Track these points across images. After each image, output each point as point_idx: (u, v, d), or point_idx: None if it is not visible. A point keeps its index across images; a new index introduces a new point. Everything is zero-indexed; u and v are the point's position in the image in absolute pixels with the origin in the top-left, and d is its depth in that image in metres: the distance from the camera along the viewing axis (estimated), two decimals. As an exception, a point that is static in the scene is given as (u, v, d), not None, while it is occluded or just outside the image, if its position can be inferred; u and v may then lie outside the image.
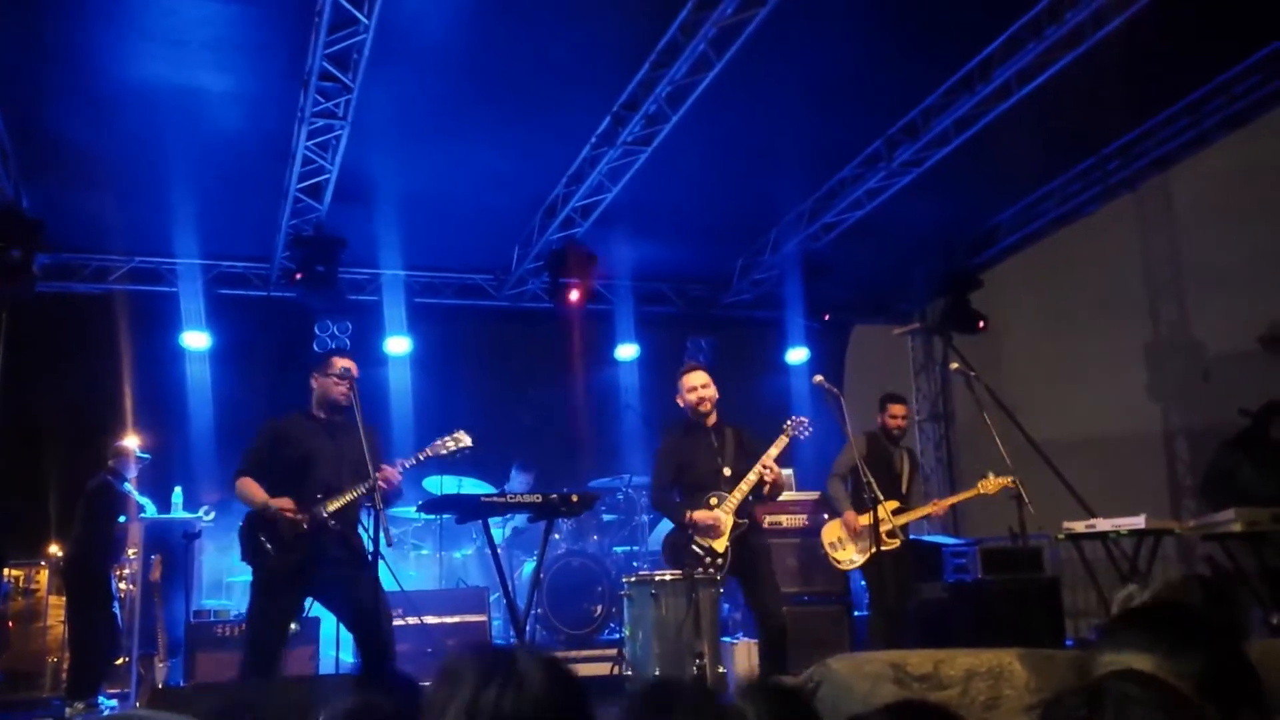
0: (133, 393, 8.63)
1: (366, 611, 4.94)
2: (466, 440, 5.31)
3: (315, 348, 9.35)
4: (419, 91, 7.05)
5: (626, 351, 10.43)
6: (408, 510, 7.85)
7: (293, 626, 5.45)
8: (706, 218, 9.40)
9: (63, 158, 7.49)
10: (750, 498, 5.66)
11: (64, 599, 7.67)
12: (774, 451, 5.74)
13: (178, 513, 7.95)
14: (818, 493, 7.81)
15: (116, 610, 7.31)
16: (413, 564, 8.54)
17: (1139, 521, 5.93)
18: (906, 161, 8.13)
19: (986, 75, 7.16)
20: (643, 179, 7.98)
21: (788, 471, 7.87)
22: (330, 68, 6.35)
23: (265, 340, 9.39)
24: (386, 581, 5.18)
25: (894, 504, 6.67)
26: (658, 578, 5.35)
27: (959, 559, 7.58)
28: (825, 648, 6.22)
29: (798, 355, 10.69)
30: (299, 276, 8.43)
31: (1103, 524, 6.02)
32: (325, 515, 4.98)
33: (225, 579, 8.32)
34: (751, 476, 5.62)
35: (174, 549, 7.34)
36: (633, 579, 5.52)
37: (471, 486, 8.18)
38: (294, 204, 8.00)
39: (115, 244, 9.06)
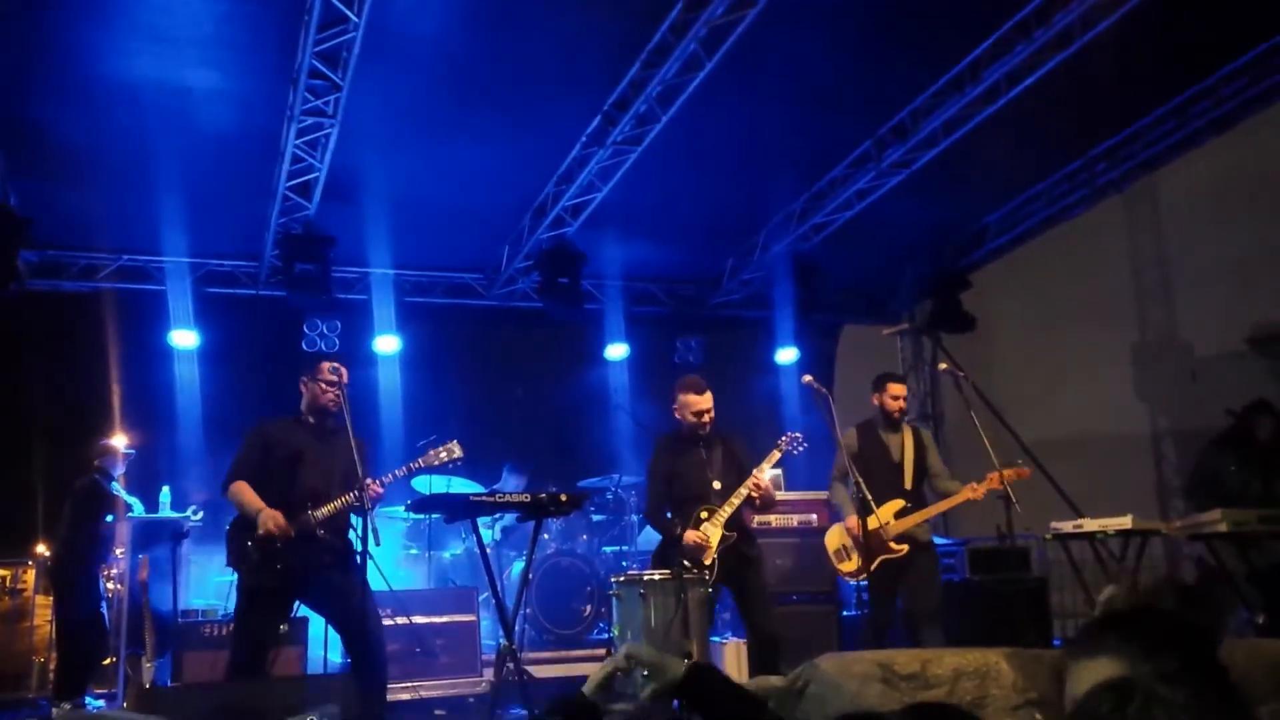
0: (120, 391, 8.60)
1: (354, 612, 4.93)
2: (458, 451, 5.34)
3: (304, 347, 9.33)
4: (409, 90, 7.04)
5: (616, 351, 10.44)
6: (396, 510, 7.84)
7: (281, 628, 5.44)
8: (696, 218, 9.41)
9: (50, 155, 7.45)
10: (741, 508, 5.68)
11: (51, 599, 7.64)
12: (766, 467, 5.76)
13: (165, 512, 7.90)
14: (807, 493, 7.83)
15: (104, 610, 7.29)
16: (402, 564, 8.52)
17: (1126, 522, 5.94)
18: (896, 162, 8.15)
19: (976, 77, 7.19)
20: (633, 179, 7.98)
21: (776, 472, 7.86)
22: (320, 66, 6.33)
23: (254, 339, 9.34)
24: (375, 581, 5.17)
25: (898, 504, 6.15)
26: (646, 577, 5.35)
27: (947, 559, 7.60)
28: (813, 647, 6.22)
29: (787, 355, 10.71)
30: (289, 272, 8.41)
31: (1090, 524, 6.04)
32: (315, 523, 4.98)
33: (213, 579, 8.29)
34: (742, 491, 5.63)
35: (162, 548, 7.32)
36: (621, 579, 5.51)
37: (460, 486, 8.17)
38: (283, 202, 7.98)
39: (103, 242, 9.01)
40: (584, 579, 8.11)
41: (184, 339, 9.19)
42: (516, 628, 5.30)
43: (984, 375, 7.94)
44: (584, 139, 7.72)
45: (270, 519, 4.90)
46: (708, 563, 5.54)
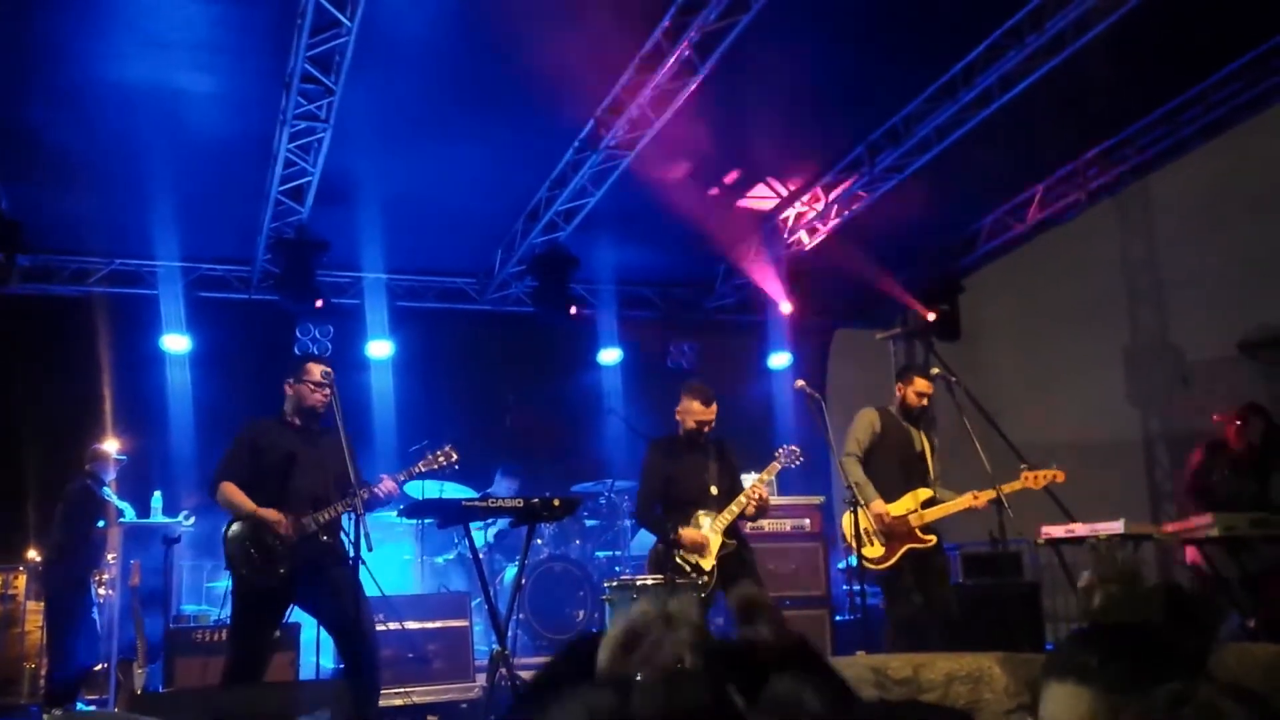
0: (112, 396, 8.58)
1: (348, 616, 4.92)
2: (455, 456, 5.35)
3: (296, 351, 9.31)
4: (401, 94, 7.03)
5: (609, 356, 10.43)
6: (389, 514, 7.82)
7: (275, 634, 5.42)
8: (689, 222, 9.40)
9: (42, 158, 7.43)
10: (739, 517, 5.70)
11: (42, 604, 7.60)
12: (765, 477, 5.79)
13: (157, 517, 7.89)
14: (799, 498, 7.83)
15: (95, 616, 7.25)
16: (394, 569, 8.49)
17: (1118, 526, 5.94)
18: (889, 167, 8.17)
19: (969, 82, 7.21)
20: (626, 183, 7.98)
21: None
22: (312, 70, 6.33)
23: (246, 343, 9.31)
24: (368, 586, 5.16)
25: (925, 493, 5.99)
26: (639, 582, 5.36)
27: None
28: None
29: (780, 359, 10.72)
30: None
31: (1082, 529, 6.03)
32: (314, 527, 4.96)
33: (205, 584, 8.25)
34: (742, 499, 5.64)
35: (153, 554, 7.29)
36: (614, 584, 5.52)
37: (453, 491, 8.14)
38: (275, 206, 7.97)
39: (95, 246, 9.00)
40: (577, 584, 8.09)
41: (176, 343, 9.17)
42: (509, 633, 5.28)
43: (976, 379, 7.93)
44: (577, 143, 7.73)
45: (265, 515, 4.89)
46: (707, 567, 5.54)
